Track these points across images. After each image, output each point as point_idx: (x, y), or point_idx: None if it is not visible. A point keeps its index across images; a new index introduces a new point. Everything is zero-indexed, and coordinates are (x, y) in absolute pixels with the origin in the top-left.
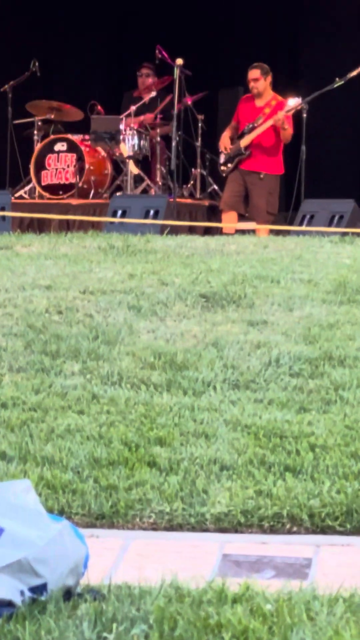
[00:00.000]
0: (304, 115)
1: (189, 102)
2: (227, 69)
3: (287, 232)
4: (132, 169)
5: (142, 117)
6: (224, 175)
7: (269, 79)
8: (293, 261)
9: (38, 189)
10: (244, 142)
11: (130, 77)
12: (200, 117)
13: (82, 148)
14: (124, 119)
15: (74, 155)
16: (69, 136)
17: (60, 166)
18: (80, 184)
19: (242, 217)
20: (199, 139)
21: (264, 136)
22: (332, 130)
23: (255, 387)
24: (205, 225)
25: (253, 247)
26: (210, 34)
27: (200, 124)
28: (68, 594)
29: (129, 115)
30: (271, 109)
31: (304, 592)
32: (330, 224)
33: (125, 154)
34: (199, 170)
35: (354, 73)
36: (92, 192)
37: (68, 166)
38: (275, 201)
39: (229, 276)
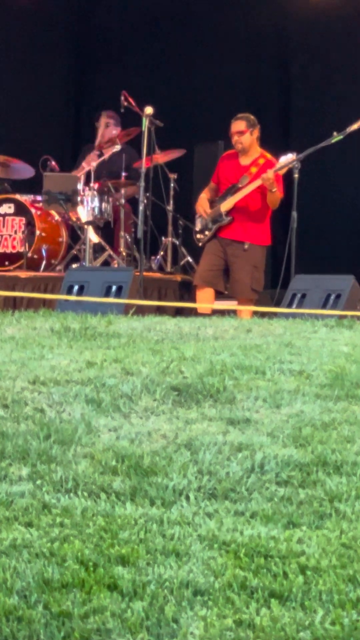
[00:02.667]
0: (296, 175)
1: (160, 159)
2: (206, 120)
3: (275, 314)
4: (92, 236)
5: (102, 176)
6: (200, 245)
7: (256, 132)
8: (281, 348)
9: None
10: (225, 206)
11: (90, 128)
12: (173, 176)
13: (33, 211)
14: (82, 177)
15: (23, 220)
16: (17, 197)
17: (6, 232)
18: (29, 254)
19: (220, 295)
20: (171, 202)
21: (250, 200)
22: (329, 193)
23: (236, 497)
24: (177, 304)
25: (234, 331)
26: (186, 79)
27: (172, 185)
28: None
29: (88, 173)
30: (258, 168)
31: None
32: (325, 305)
33: (84, 219)
34: (170, 239)
35: (355, 126)
36: (44, 263)
37: (15, 232)
38: (260, 277)
39: (206, 365)
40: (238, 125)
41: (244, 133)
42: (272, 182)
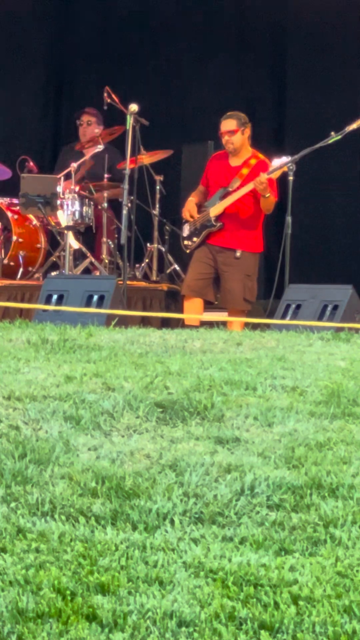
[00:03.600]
0: (290, 177)
1: (145, 160)
2: (195, 118)
3: (267, 326)
4: (72, 242)
5: (84, 177)
6: (187, 252)
7: (247, 131)
8: (274, 363)
9: None
10: (215, 210)
11: (71, 126)
12: (159, 177)
13: (9, 215)
14: (62, 179)
15: None
16: None
17: None
18: (5, 261)
19: (210, 306)
20: (157, 206)
21: (241, 204)
22: (326, 197)
23: (224, 521)
24: (162, 315)
25: (223, 344)
26: (173, 73)
27: (158, 187)
28: None
29: (68, 174)
30: (250, 169)
31: None
32: (321, 317)
33: (64, 224)
34: (156, 245)
35: (354, 126)
36: (21, 270)
37: None
38: (253, 286)
39: (192, 381)
40: (228, 124)
41: (235, 132)
42: (265, 187)
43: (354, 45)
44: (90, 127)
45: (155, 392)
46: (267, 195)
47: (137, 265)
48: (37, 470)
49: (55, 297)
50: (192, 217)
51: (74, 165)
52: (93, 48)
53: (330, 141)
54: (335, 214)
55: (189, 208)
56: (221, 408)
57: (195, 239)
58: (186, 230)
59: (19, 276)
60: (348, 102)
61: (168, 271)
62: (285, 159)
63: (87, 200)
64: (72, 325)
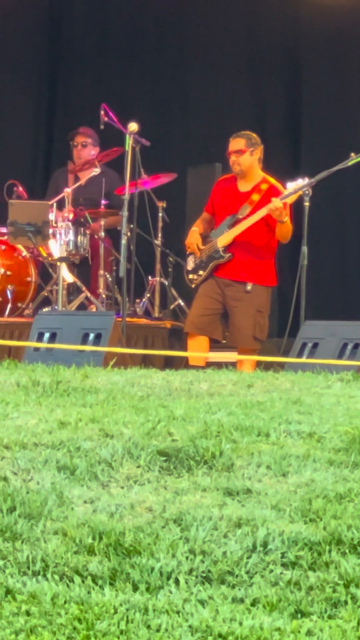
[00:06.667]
0: (307, 203)
1: (147, 184)
2: (201, 139)
3: (281, 366)
4: (66, 275)
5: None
6: (192, 286)
7: (258, 153)
8: (288, 406)
9: None
10: (224, 240)
11: (64, 147)
12: (162, 204)
13: None
14: (54, 205)
15: None
16: None
17: None
18: None
19: (218, 345)
20: (159, 234)
21: (253, 233)
22: (344, 225)
23: (234, 581)
24: (165, 354)
25: (232, 386)
26: (177, 91)
27: (161, 214)
28: None
29: (61, 200)
30: (261, 195)
31: None
32: (340, 356)
33: (56, 255)
34: (158, 278)
35: None
36: (9, 306)
37: None
38: (265, 323)
39: (199, 426)
40: (237, 143)
41: (243, 152)
42: (281, 212)
43: None
44: (85, 149)
45: (158, 439)
46: (284, 220)
47: (137, 301)
48: (27, 525)
49: (47, 335)
50: (196, 248)
51: (68, 190)
52: (89, 62)
53: (349, 163)
54: (354, 243)
55: (193, 239)
56: (231, 456)
57: (201, 272)
58: (191, 263)
59: (7, 312)
60: None
61: (171, 307)
62: (301, 181)
63: (82, 229)
64: (66, 365)
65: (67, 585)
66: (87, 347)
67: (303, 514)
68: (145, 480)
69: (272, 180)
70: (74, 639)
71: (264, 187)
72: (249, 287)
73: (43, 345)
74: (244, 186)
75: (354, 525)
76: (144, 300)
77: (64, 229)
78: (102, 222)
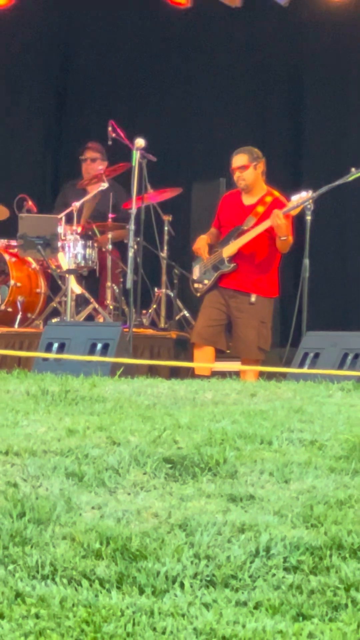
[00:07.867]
0: (308, 217)
1: (153, 198)
2: (205, 154)
3: (283, 376)
4: (74, 287)
5: (86, 217)
6: (198, 295)
7: (261, 166)
8: (290, 415)
9: None
10: (229, 250)
11: (72, 162)
12: (167, 218)
13: (7, 257)
14: (63, 219)
15: None
16: None
17: None
18: (3, 307)
19: (222, 355)
20: (165, 247)
21: (256, 244)
22: (346, 238)
23: (237, 585)
24: (171, 364)
25: (236, 395)
26: (182, 107)
27: (166, 228)
28: None
29: (70, 214)
30: (266, 207)
31: None
32: (341, 366)
33: (65, 267)
34: (164, 290)
35: None
36: (19, 317)
37: None
38: (268, 334)
39: (204, 434)
40: (239, 159)
41: (247, 168)
42: (284, 228)
43: None
44: (94, 163)
45: (164, 447)
46: (285, 236)
47: (143, 312)
48: (36, 531)
49: (56, 345)
50: (203, 254)
51: (76, 204)
52: (97, 79)
53: (350, 178)
54: (354, 257)
55: (200, 245)
56: (234, 463)
57: (206, 281)
58: (196, 271)
59: (17, 323)
60: None
61: (177, 318)
62: (304, 193)
63: (90, 241)
64: (74, 375)
65: (75, 589)
66: (95, 358)
67: (305, 520)
68: (152, 486)
69: (277, 193)
70: None
71: (268, 199)
72: (253, 299)
73: (52, 355)
74: (248, 200)
75: (354, 530)
76: (150, 311)
77: (73, 242)
78: (110, 235)
